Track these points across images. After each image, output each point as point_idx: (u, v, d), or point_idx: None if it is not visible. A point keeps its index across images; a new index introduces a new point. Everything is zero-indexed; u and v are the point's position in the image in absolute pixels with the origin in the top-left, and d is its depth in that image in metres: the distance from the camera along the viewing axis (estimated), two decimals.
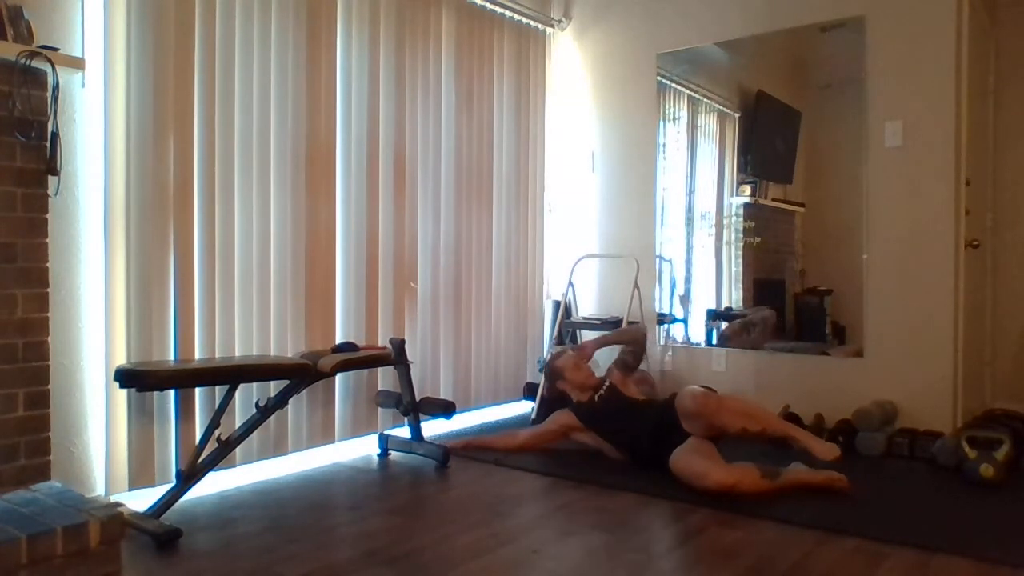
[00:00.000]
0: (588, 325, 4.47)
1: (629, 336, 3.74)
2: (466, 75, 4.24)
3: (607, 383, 3.52)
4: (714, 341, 4.34)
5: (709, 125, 4.40)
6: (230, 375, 2.75)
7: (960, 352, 3.60)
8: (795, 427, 3.09)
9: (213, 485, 2.93)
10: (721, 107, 4.36)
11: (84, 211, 2.71)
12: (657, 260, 4.54)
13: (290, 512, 2.73)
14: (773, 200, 4.21)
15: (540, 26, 4.74)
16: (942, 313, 3.60)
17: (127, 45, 2.79)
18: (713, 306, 4.38)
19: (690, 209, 4.43)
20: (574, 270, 4.62)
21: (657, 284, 4.54)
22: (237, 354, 3.13)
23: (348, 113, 3.60)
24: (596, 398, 3.49)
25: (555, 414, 3.62)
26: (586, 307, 4.78)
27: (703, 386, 3.17)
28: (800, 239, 4.09)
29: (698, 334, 4.42)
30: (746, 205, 4.25)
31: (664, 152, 4.52)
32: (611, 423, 3.41)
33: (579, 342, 4.28)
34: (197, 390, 2.97)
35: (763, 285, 4.22)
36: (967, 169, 3.64)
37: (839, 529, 2.53)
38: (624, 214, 4.67)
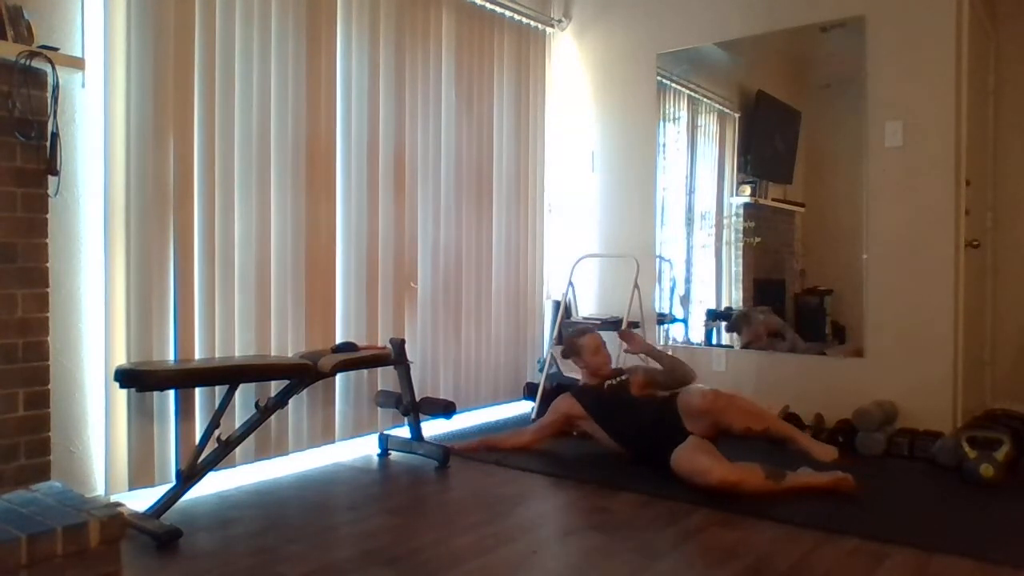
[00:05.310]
0: (588, 325, 4.46)
1: (679, 372, 3.49)
2: (466, 75, 4.24)
3: (623, 376, 3.49)
4: (713, 340, 4.34)
5: (709, 125, 4.40)
6: (230, 375, 2.76)
7: (960, 352, 3.60)
8: (795, 429, 3.15)
9: (213, 485, 2.93)
10: (721, 107, 4.36)
11: (84, 211, 2.71)
12: (657, 260, 4.53)
13: (290, 512, 2.73)
14: (773, 200, 4.21)
15: (540, 26, 4.74)
16: (942, 313, 3.59)
17: (127, 45, 2.79)
18: (713, 306, 4.38)
19: (690, 209, 4.43)
20: (574, 270, 4.61)
21: (657, 284, 4.54)
22: (237, 354, 3.13)
23: (348, 113, 3.60)
24: (605, 386, 3.48)
25: (555, 402, 3.60)
26: (586, 307, 4.78)
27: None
28: (800, 239, 4.09)
29: (698, 334, 4.42)
30: (746, 205, 4.25)
31: (664, 152, 4.51)
32: (614, 414, 3.39)
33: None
34: (197, 390, 2.97)
35: (763, 285, 4.22)
36: (967, 169, 3.64)
37: (839, 529, 2.53)
38: (624, 214, 4.66)
